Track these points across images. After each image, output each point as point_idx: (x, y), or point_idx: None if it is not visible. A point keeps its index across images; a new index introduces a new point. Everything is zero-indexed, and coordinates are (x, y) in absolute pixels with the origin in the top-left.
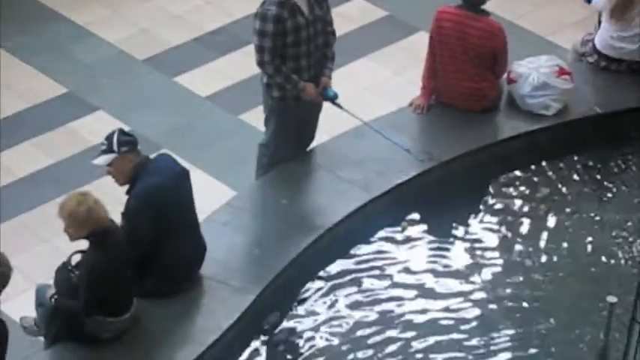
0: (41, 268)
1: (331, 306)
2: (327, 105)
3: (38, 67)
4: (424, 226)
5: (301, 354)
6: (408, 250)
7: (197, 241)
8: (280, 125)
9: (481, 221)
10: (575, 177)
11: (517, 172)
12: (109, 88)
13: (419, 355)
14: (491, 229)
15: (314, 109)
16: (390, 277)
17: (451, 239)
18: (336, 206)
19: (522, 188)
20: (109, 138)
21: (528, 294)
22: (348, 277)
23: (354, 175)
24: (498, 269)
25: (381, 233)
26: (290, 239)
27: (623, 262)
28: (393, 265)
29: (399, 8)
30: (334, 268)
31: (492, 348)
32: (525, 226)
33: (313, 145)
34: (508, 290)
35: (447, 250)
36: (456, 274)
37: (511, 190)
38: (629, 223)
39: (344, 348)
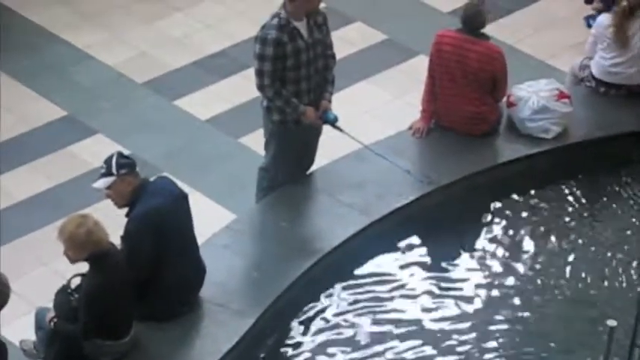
0: (41, 292)
1: (330, 329)
2: (326, 128)
3: (37, 90)
4: (424, 250)
5: None
6: (408, 274)
7: (196, 264)
8: (280, 149)
9: (480, 245)
10: (575, 200)
11: (517, 196)
12: (108, 111)
13: None
14: (490, 253)
15: (314, 133)
16: (390, 300)
17: (450, 263)
18: (336, 230)
19: (522, 212)
20: (108, 161)
21: (527, 317)
22: (348, 301)
23: (354, 198)
24: (498, 292)
25: (381, 257)
26: (289, 262)
27: (622, 285)
28: (393, 288)
29: (398, 32)
30: (333, 291)
31: None
32: (525, 250)
33: (313, 168)
34: (507, 313)
35: (447, 273)
36: (455, 298)
37: (510, 213)
38: (629, 247)
39: None
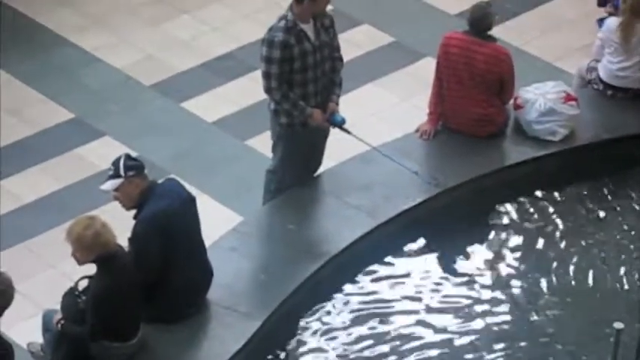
0: (48, 294)
1: (337, 331)
2: (333, 131)
3: (45, 92)
4: (431, 252)
5: None
6: (415, 276)
7: (204, 267)
8: (288, 151)
9: (487, 247)
10: (582, 203)
11: (523, 198)
12: (115, 113)
13: None
14: (497, 255)
15: (321, 135)
16: (397, 302)
17: (457, 265)
18: (343, 232)
19: (529, 214)
20: (116, 163)
21: (534, 319)
22: (355, 303)
23: (361, 200)
24: (504, 294)
25: (388, 259)
26: (296, 265)
27: (629, 288)
28: (400, 290)
29: (405, 34)
30: (341, 293)
31: None
32: (532, 252)
33: (320, 170)
34: (514, 315)
35: (454, 275)
36: (462, 299)
37: (517, 215)
38: (636, 249)
39: None
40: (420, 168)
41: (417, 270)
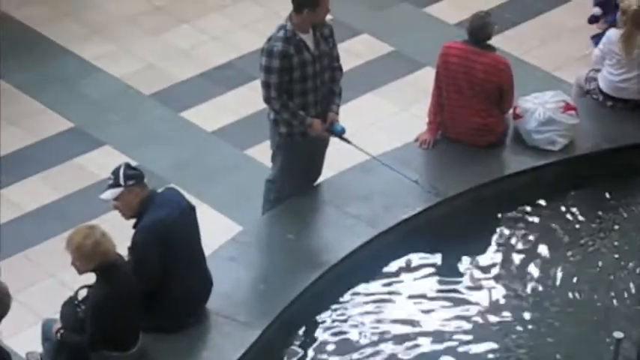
0: (47, 303)
1: (337, 341)
2: (332, 140)
3: (45, 102)
4: (430, 261)
5: None
6: (415, 285)
7: (203, 276)
8: (287, 161)
9: (487, 256)
10: (581, 212)
11: (523, 208)
12: (115, 123)
13: None
14: (496, 264)
15: (321, 145)
16: (397, 311)
17: (457, 274)
18: (343, 241)
19: (528, 223)
20: (116, 172)
21: (533, 329)
22: (355, 313)
23: (361, 210)
24: (504, 304)
25: (388, 268)
26: (296, 274)
27: (629, 297)
28: (400, 300)
29: (405, 44)
30: (340, 303)
31: None
32: (531, 261)
33: (320, 180)
34: (514, 325)
35: (454, 284)
36: (462, 309)
37: (517, 225)
38: (635, 258)
39: None
40: (420, 177)
41: (417, 279)
